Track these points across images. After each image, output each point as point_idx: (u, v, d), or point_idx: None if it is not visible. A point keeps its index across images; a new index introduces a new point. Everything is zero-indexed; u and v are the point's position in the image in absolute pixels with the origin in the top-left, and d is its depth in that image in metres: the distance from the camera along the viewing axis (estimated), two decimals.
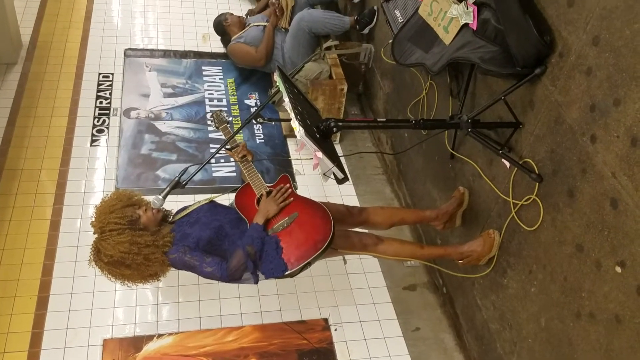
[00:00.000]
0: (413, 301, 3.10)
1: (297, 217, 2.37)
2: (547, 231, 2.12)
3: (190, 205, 2.51)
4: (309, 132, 2.06)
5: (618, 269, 1.78)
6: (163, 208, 2.42)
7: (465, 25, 2.27)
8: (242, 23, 4.29)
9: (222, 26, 4.30)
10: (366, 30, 3.95)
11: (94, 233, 2.28)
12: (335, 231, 2.31)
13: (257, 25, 4.17)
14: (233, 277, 2.26)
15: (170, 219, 2.47)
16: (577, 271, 1.97)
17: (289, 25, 4.02)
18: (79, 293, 2.85)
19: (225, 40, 4.33)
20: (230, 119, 4.01)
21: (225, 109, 4.09)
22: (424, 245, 2.86)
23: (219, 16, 4.35)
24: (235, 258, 2.24)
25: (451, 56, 2.34)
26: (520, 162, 2.20)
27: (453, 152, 2.75)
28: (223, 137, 2.72)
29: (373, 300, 3.04)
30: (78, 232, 3.10)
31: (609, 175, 1.79)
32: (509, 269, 2.38)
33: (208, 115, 4.00)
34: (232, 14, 4.35)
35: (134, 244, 2.22)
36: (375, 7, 3.87)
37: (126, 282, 2.34)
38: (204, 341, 2.77)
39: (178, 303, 2.90)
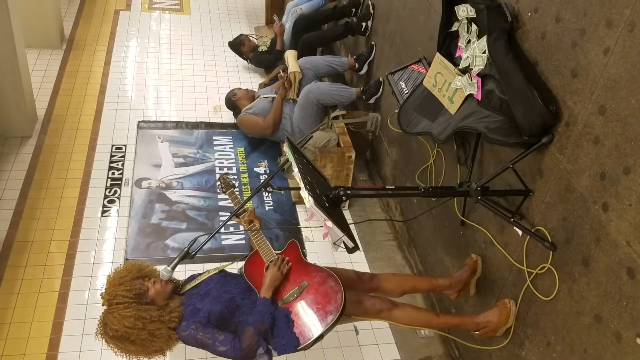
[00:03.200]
0: None
1: (307, 286, 2.34)
2: (564, 301, 2.07)
3: (200, 275, 2.49)
4: (318, 202, 2.07)
5: (639, 341, 1.72)
6: (173, 278, 2.40)
7: (470, 95, 2.32)
8: (250, 95, 4.43)
9: (232, 101, 4.46)
10: (372, 100, 4.05)
11: (102, 305, 2.26)
12: (347, 298, 2.27)
13: (266, 97, 4.29)
14: (247, 356, 2.21)
15: (180, 290, 2.44)
16: (597, 343, 1.91)
17: (297, 97, 4.13)
18: None
19: (236, 113, 4.46)
20: (238, 183, 4.05)
21: (235, 176, 4.13)
22: (439, 314, 2.79)
23: (229, 93, 4.53)
24: (247, 337, 2.19)
25: (457, 125, 2.38)
26: (533, 230, 2.18)
27: (463, 219, 2.73)
28: (232, 206, 2.73)
29: None
30: (86, 305, 3.06)
31: (624, 244, 1.76)
32: (526, 340, 2.31)
33: (218, 176, 4.03)
34: (240, 89, 4.51)
35: (139, 319, 2.19)
36: (381, 79, 3.98)
37: (132, 357, 2.29)
38: None
39: None
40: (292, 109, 4.16)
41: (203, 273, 2.51)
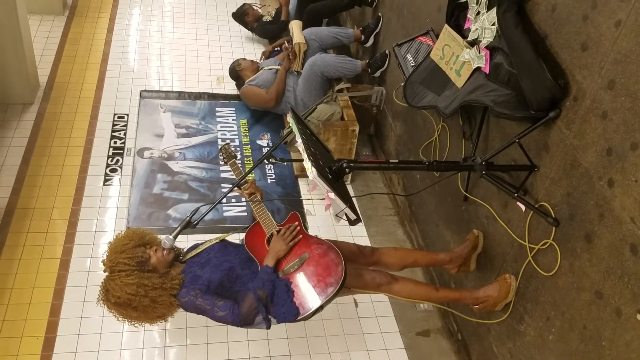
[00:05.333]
0: (427, 347, 3.02)
1: (308, 258, 2.34)
2: (565, 277, 2.07)
3: (201, 244, 2.49)
4: (321, 173, 2.05)
5: (639, 317, 1.72)
6: (175, 247, 2.41)
7: (478, 69, 2.28)
8: (255, 67, 4.37)
9: (236, 71, 4.40)
10: (378, 74, 4.00)
11: (104, 271, 2.27)
12: (347, 271, 2.27)
13: (270, 69, 4.24)
14: (245, 321, 2.22)
15: (181, 258, 2.45)
16: (597, 319, 1.91)
17: (302, 69, 4.08)
18: (86, 334, 2.81)
19: (240, 84, 4.41)
20: (240, 156, 4.03)
21: (238, 148, 4.11)
22: (439, 288, 2.79)
23: (233, 63, 4.47)
24: (246, 303, 2.20)
25: (464, 99, 2.35)
26: (536, 206, 2.17)
27: (466, 194, 2.72)
28: (233, 177, 2.72)
29: (386, 346, 2.96)
30: (87, 272, 3.08)
31: (628, 220, 1.75)
32: (526, 316, 2.32)
33: (219, 154, 4.03)
34: (245, 59, 4.45)
35: (141, 286, 2.20)
36: (387, 51, 3.92)
37: (134, 322, 2.31)
38: None
39: (185, 346, 2.84)
40: (295, 81, 4.11)
41: (204, 242, 2.52)
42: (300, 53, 4.10)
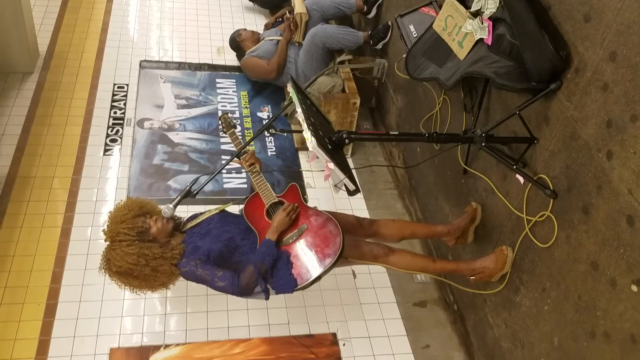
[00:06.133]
0: (423, 318, 3.06)
1: (307, 229, 2.36)
2: (561, 248, 2.09)
3: (201, 214, 2.51)
4: (321, 143, 2.06)
5: (634, 288, 1.74)
6: (175, 216, 2.42)
7: (480, 40, 2.27)
8: (255, 38, 4.33)
9: (236, 42, 4.36)
10: (380, 46, 3.96)
11: (105, 241, 2.29)
12: (345, 242, 2.30)
13: (271, 40, 4.20)
14: (244, 292, 2.26)
15: (181, 228, 2.47)
16: (592, 289, 1.93)
17: (303, 40, 4.04)
18: (87, 301, 2.84)
19: (240, 55, 4.37)
20: (240, 128, 4.02)
21: (238, 120, 4.11)
22: (436, 259, 2.81)
23: (233, 33, 4.42)
24: (246, 274, 2.23)
25: (465, 71, 2.33)
26: (535, 178, 2.17)
27: (466, 167, 2.73)
28: (234, 149, 2.72)
29: (382, 316, 3.00)
30: (88, 240, 3.10)
31: (625, 192, 1.76)
32: (521, 287, 2.35)
33: (219, 123, 4.02)
34: (245, 30, 4.41)
35: (141, 256, 2.23)
36: (390, 22, 3.88)
37: (135, 290, 2.34)
38: (211, 353, 2.74)
39: (186, 314, 2.88)
40: (297, 52, 4.08)
41: (204, 212, 2.53)
42: (301, 23, 4.07)
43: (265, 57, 4.13)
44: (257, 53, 4.18)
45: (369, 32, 4.01)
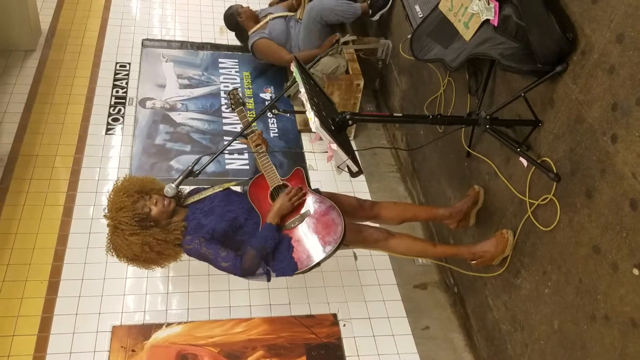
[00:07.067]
0: (423, 300, 3.07)
1: (309, 215, 2.36)
2: (563, 232, 2.08)
3: (204, 190, 2.51)
4: (324, 124, 2.04)
5: (635, 272, 1.74)
6: (180, 191, 2.41)
7: (486, 21, 2.24)
8: (255, 16, 4.14)
9: (236, 21, 4.11)
10: (377, 17, 3.86)
11: (108, 226, 2.30)
12: (346, 228, 2.30)
13: (279, 17, 4.05)
14: (246, 274, 2.28)
15: (182, 202, 2.47)
16: (593, 273, 1.94)
17: None
18: (89, 279, 2.86)
19: (242, 35, 4.18)
20: (245, 100, 3.98)
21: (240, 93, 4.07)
22: (436, 244, 2.83)
23: (230, 9, 4.16)
24: (248, 258, 2.25)
25: (471, 52, 2.32)
26: (539, 161, 2.16)
27: (469, 150, 2.72)
28: (236, 130, 2.70)
29: (383, 298, 3.01)
30: (90, 219, 3.11)
31: (629, 175, 1.75)
32: (522, 270, 2.35)
33: (223, 100, 4.00)
34: (242, 7, 4.14)
35: (145, 244, 2.26)
36: None
37: (142, 268, 2.39)
38: (213, 332, 2.77)
39: (188, 293, 2.90)
40: (298, 30, 4.01)
41: (207, 188, 2.53)
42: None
43: (278, 40, 3.97)
44: (271, 35, 3.98)
45: (368, 1, 3.91)
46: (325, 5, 3.84)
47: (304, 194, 2.42)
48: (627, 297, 1.78)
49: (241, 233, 2.40)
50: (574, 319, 2.04)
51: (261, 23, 4.09)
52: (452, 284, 3.05)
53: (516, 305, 2.41)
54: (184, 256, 2.43)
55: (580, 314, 2.00)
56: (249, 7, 4.20)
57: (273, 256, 2.30)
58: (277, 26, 4.03)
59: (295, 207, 2.39)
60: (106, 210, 2.30)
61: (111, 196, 2.32)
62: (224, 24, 4.28)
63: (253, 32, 4.06)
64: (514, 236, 2.39)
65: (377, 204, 2.70)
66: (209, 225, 2.35)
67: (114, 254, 2.32)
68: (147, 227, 2.27)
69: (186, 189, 2.56)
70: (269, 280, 2.37)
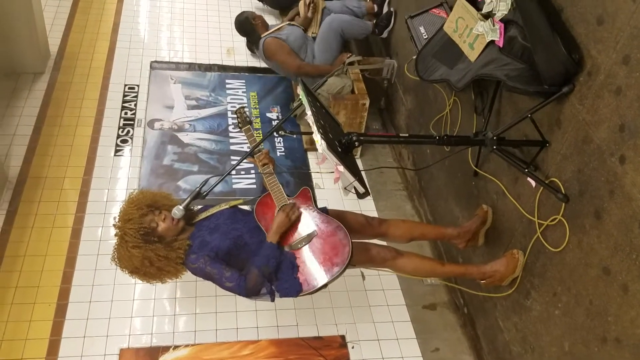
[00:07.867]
0: (433, 321, 3.04)
1: (316, 236, 2.35)
2: (572, 253, 2.07)
3: (212, 207, 2.51)
4: (330, 146, 2.05)
5: None
6: (191, 209, 2.42)
7: (491, 42, 2.25)
8: (267, 25, 4.25)
9: (251, 25, 4.16)
10: (385, 34, 4.00)
11: (115, 235, 2.31)
12: (354, 248, 2.29)
13: (297, 26, 4.14)
14: (251, 294, 2.27)
15: (193, 221, 2.47)
16: (604, 294, 1.92)
17: (319, 30, 4.07)
18: (97, 301, 2.86)
19: (253, 40, 4.21)
20: (252, 119, 4.01)
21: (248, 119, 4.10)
22: (445, 263, 2.81)
23: (243, 13, 4.23)
24: (251, 278, 2.24)
25: (476, 73, 2.32)
26: (547, 182, 2.16)
27: (477, 170, 2.71)
28: (243, 149, 2.71)
29: (392, 319, 2.99)
30: (99, 241, 3.11)
31: (638, 197, 1.74)
32: (532, 291, 2.33)
33: (230, 120, 4.02)
34: (254, 13, 4.26)
35: (146, 258, 2.25)
36: (392, 9, 3.91)
37: (144, 281, 2.40)
38: (220, 354, 2.75)
39: (195, 314, 2.89)
40: (312, 45, 4.07)
41: (215, 206, 2.53)
42: (318, 9, 4.09)
43: (294, 46, 3.99)
44: (287, 39, 3.99)
45: (374, 21, 4.06)
46: (346, 19, 4.05)
47: (298, 207, 2.41)
48: (638, 319, 1.76)
49: (246, 251, 2.39)
50: (585, 340, 2.01)
51: (278, 26, 4.16)
52: (462, 304, 3.02)
53: (526, 327, 2.39)
54: (192, 277, 2.41)
55: (591, 336, 1.98)
56: (261, 15, 4.32)
57: (276, 276, 2.28)
58: (295, 32, 4.08)
59: (298, 225, 2.38)
60: (116, 219, 2.32)
61: (124, 206, 2.34)
62: (231, 46, 4.31)
63: (267, 34, 4.09)
64: (524, 256, 2.37)
65: (385, 222, 2.69)
66: (213, 243, 2.34)
67: (117, 263, 2.32)
68: (150, 242, 2.27)
69: (197, 207, 2.57)
70: (272, 300, 2.35)
